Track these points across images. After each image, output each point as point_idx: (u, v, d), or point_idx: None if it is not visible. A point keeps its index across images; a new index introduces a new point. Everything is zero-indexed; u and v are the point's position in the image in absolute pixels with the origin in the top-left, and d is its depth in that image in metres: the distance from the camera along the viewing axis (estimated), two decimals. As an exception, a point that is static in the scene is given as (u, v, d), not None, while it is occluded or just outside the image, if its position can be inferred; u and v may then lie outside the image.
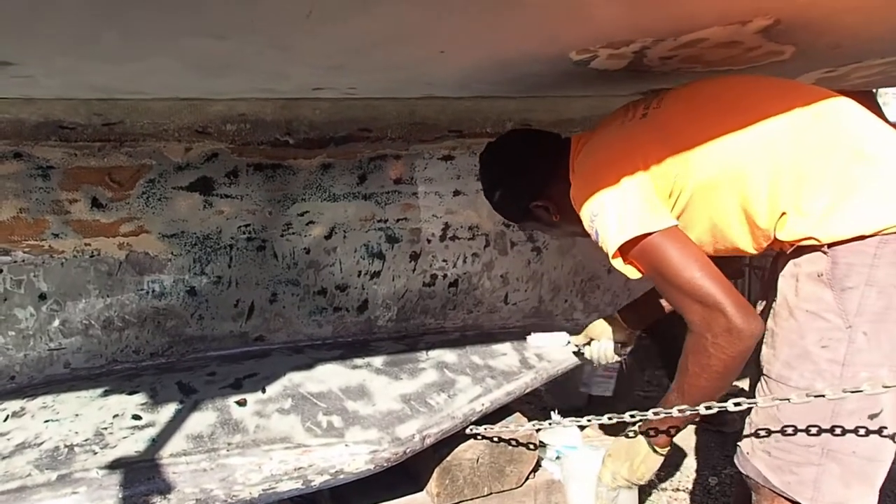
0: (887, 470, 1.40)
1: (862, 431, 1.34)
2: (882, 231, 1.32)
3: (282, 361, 2.05)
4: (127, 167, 1.84)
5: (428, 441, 1.83)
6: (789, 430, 1.40)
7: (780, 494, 1.43)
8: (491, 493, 2.10)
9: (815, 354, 1.37)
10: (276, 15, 1.09)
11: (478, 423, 1.99)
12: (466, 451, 2.05)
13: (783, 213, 1.41)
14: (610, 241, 1.49)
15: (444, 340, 2.25)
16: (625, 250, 1.49)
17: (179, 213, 1.91)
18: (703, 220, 1.52)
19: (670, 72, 1.80)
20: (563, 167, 1.69)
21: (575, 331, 2.21)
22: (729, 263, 1.61)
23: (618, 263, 1.53)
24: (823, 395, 1.27)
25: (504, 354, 2.22)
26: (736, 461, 1.54)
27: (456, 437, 1.98)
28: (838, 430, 1.35)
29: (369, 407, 1.88)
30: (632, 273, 1.55)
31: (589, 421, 1.78)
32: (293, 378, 1.95)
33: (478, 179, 2.21)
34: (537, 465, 2.23)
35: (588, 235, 1.58)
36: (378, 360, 2.10)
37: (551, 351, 2.21)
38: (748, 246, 1.51)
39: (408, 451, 1.77)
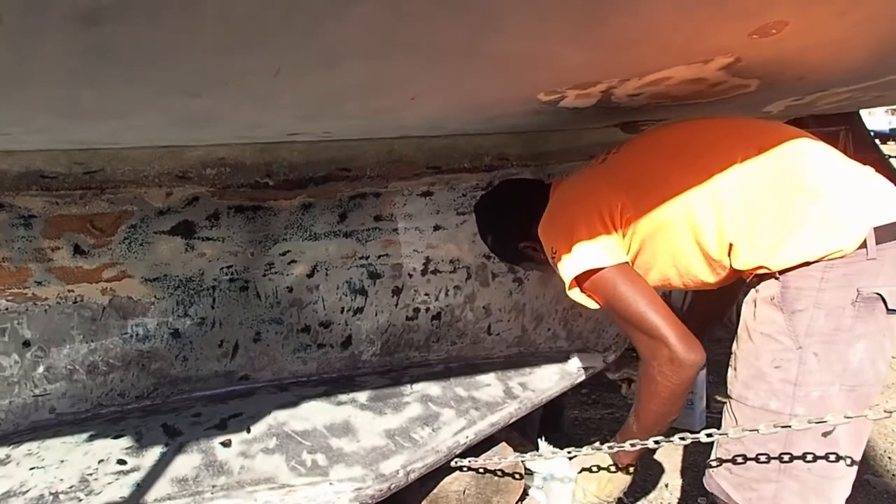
0: (848, 486, 1.45)
1: (816, 449, 1.40)
2: (826, 257, 1.40)
3: (266, 400, 2.07)
4: (108, 214, 1.86)
5: (412, 476, 1.85)
6: (749, 449, 1.46)
7: None
8: (478, 525, 2.11)
9: (769, 375, 1.45)
10: (247, 73, 1.13)
11: (463, 455, 2.01)
12: (452, 484, 2.06)
13: (731, 245, 1.51)
14: (564, 274, 1.63)
15: (428, 373, 2.28)
16: (580, 283, 1.63)
17: (161, 256, 1.94)
18: (664, 256, 1.61)
19: (640, 107, 1.85)
20: (542, 210, 1.80)
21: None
22: (723, 295, 1.73)
23: (574, 294, 1.67)
24: (790, 427, 1.31)
25: (488, 385, 2.25)
26: (704, 480, 1.60)
27: (441, 470, 2.00)
28: (793, 449, 1.41)
29: (353, 443, 1.89)
30: (589, 304, 1.67)
31: (569, 452, 1.81)
32: (278, 416, 1.97)
33: (458, 214, 2.26)
34: (524, 494, 2.24)
35: None
36: (362, 396, 2.11)
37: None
38: (709, 277, 1.59)
39: (392, 486, 1.79)
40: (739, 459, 1.49)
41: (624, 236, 1.64)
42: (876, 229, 1.41)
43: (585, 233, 1.61)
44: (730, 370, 1.57)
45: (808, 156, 1.54)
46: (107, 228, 1.87)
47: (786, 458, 1.44)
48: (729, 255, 1.53)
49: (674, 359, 1.47)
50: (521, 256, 1.95)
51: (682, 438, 1.52)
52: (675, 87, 1.66)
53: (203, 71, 1.07)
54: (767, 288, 1.48)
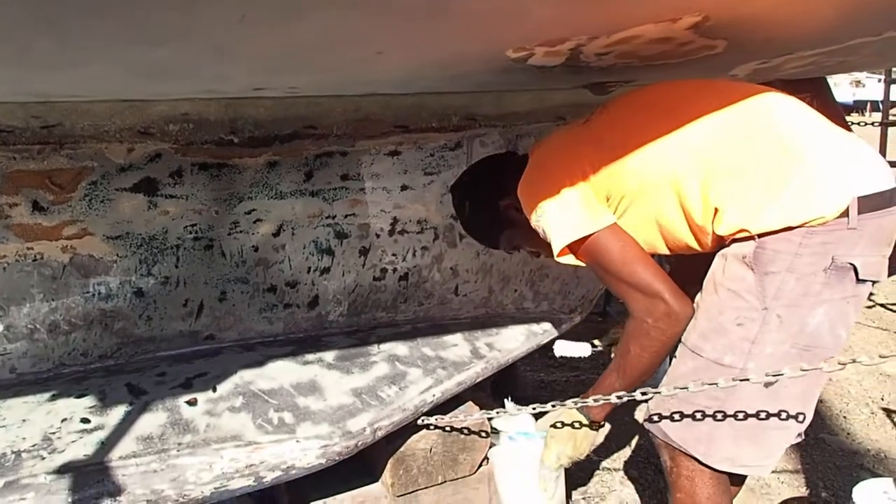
0: (787, 438, 1.51)
1: (755, 399, 1.46)
2: (808, 223, 1.41)
3: (232, 359, 2.06)
4: (68, 170, 1.82)
5: (379, 434, 1.86)
6: (692, 395, 1.50)
7: (677, 449, 1.55)
8: (445, 482, 2.14)
9: (730, 331, 1.48)
10: (210, 20, 1.10)
11: (430, 413, 2.03)
12: (419, 442, 2.09)
13: (716, 210, 1.50)
14: (554, 242, 1.63)
15: (395, 333, 2.28)
16: (570, 248, 1.64)
17: (124, 214, 1.90)
18: (649, 220, 1.63)
19: (608, 67, 1.85)
20: (523, 167, 1.80)
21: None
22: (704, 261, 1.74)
23: (564, 259, 1.68)
24: (748, 379, 1.34)
25: (455, 345, 2.26)
26: (644, 422, 1.65)
27: (408, 428, 2.02)
28: (733, 397, 1.46)
29: (320, 402, 1.90)
30: (578, 264, 1.68)
31: (534, 408, 1.83)
32: (244, 376, 1.96)
33: (425, 174, 2.25)
34: (491, 450, 2.28)
35: None
36: (329, 356, 2.12)
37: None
38: (694, 243, 1.61)
39: (359, 444, 1.80)
40: (682, 404, 1.55)
41: (609, 199, 1.64)
42: (859, 199, 1.42)
43: (573, 196, 1.61)
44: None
45: (792, 119, 1.55)
46: (66, 185, 1.83)
47: (726, 403, 1.50)
48: (713, 220, 1.54)
49: (670, 313, 1.51)
50: (505, 222, 1.89)
51: (644, 393, 1.55)
52: (644, 46, 1.66)
53: (164, 18, 1.04)
54: (741, 246, 1.50)
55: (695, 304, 1.59)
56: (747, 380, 1.37)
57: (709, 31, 1.58)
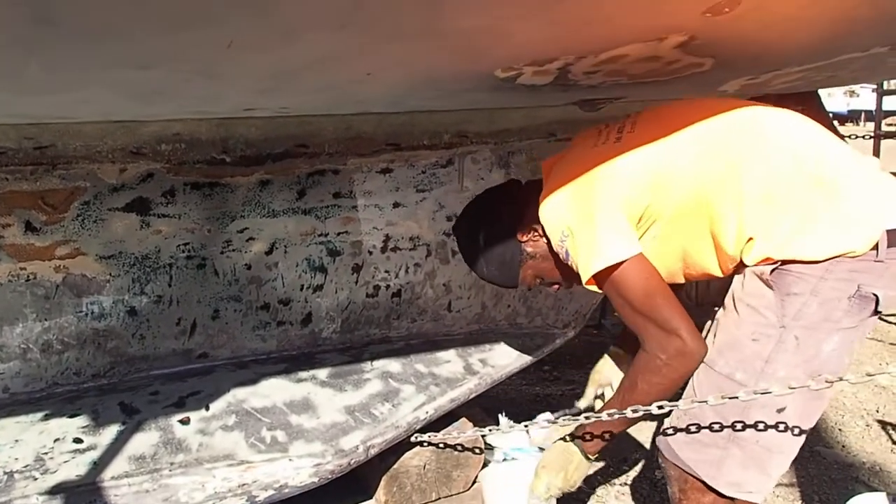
0: (787, 462, 1.51)
1: (769, 424, 1.44)
2: (838, 256, 1.42)
3: (225, 377, 2.06)
4: (60, 190, 1.83)
5: (372, 451, 1.87)
6: (705, 415, 1.50)
7: (685, 471, 1.53)
8: (439, 499, 2.14)
9: (744, 346, 1.47)
10: (199, 45, 1.11)
11: (423, 430, 2.03)
12: (413, 458, 2.09)
13: (750, 239, 1.50)
14: (584, 268, 1.56)
15: (388, 350, 2.29)
16: (594, 279, 1.56)
17: (116, 234, 1.91)
18: (675, 246, 1.60)
19: (597, 85, 1.86)
20: (536, 192, 1.70)
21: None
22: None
23: (589, 287, 1.60)
24: (737, 397, 1.35)
25: (448, 362, 2.27)
26: (656, 439, 1.64)
27: (402, 445, 2.02)
28: (747, 419, 1.45)
29: (313, 420, 1.90)
30: (597, 290, 1.61)
31: (525, 426, 1.83)
32: (237, 394, 1.97)
33: (417, 191, 2.26)
34: (484, 468, 2.27)
35: None
36: (322, 373, 2.12)
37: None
38: (716, 270, 1.60)
39: (352, 462, 1.81)
40: (693, 423, 1.53)
41: (640, 221, 1.58)
42: (888, 232, 1.42)
43: (605, 218, 1.54)
44: (708, 335, 1.58)
45: (826, 148, 1.54)
46: (59, 205, 1.84)
47: (738, 426, 1.48)
48: (743, 248, 1.52)
49: (685, 352, 1.47)
50: (524, 256, 1.76)
51: (635, 411, 1.55)
52: (631, 64, 1.68)
53: (153, 44, 1.05)
54: (762, 266, 1.48)
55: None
56: (767, 392, 1.37)
57: (696, 49, 1.59)
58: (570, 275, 1.69)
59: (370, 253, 2.24)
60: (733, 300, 1.54)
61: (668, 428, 1.61)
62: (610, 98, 2.14)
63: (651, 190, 1.55)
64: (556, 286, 1.82)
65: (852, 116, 23.35)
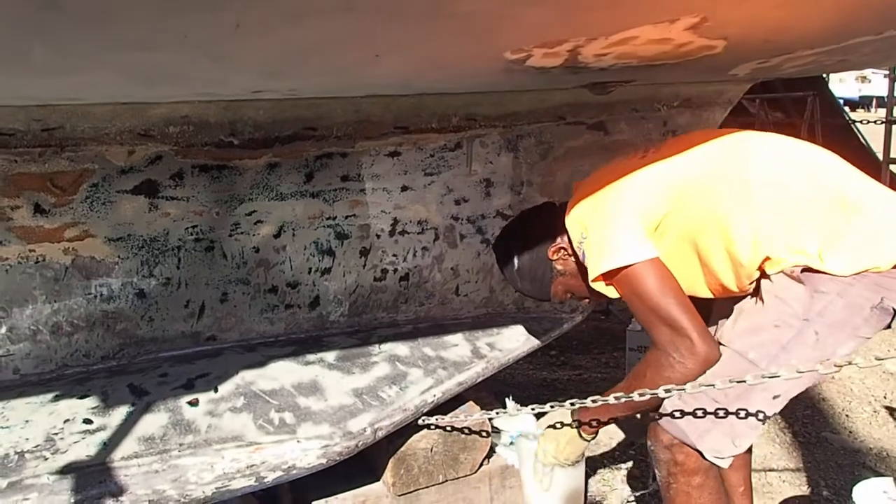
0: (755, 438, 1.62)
1: (763, 406, 1.48)
2: (863, 272, 1.49)
3: (234, 360, 2.07)
4: (69, 172, 1.83)
5: (380, 434, 1.88)
6: (706, 386, 1.53)
7: (674, 437, 1.61)
8: (446, 481, 2.15)
9: (765, 329, 1.53)
10: (205, 27, 1.11)
11: (430, 413, 2.04)
12: (420, 441, 2.10)
13: (767, 258, 1.55)
14: (593, 266, 1.63)
15: (396, 334, 2.29)
16: (606, 275, 1.63)
17: (125, 216, 1.91)
18: (691, 259, 1.65)
19: (607, 67, 1.85)
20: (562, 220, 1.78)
21: None
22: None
23: (597, 286, 1.67)
24: (744, 381, 1.35)
25: (455, 345, 2.27)
26: (650, 422, 1.69)
27: (409, 428, 2.03)
28: (748, 402, 1.49)
29: (321, 402, 1.91)
30: (610, 293, 1.68)
31: (532, 409, 1.84)
32: (245, 376, 1.98)
33: (425, 174, 2.25)
34: (491, 452, 2.29)
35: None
36: (330, 356, 2.12)
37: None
38: (733, 285, 1.66)
39: (360, 444, 1.82)
40: (691, 394, 1.57)
41: (656, 229, 1.64)
42: None
43: (621, 223, 1.61)
44: (728, 321, 1.64)
45: (848, 173, 1.61)
46: (68, 187, 1.84)
47: (735, 404, 1.54)
48: (762, 264, 1.56)
49: (695, 352, 1.52)
50: (554, 272, 1.83)
51: (642, 394, 1.55)
52: (642, 47, 1.66)
53: (159, 26, 1.05)
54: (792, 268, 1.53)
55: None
56: (775, 377, 1.39)
57: (707, 31, 1.57)
58: (596, 291, 1.76)
59: (378, 236, 2.24)
60: (762, 293, 1.58)
61: (667, 405, 1.63)
62: (621, 81, 2.13)
63: (668, 200, 1.63)
64: (587, 300, 1.91)
65: (864, 102, 23.14)
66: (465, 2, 1.17)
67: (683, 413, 1.58)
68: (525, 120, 2.33)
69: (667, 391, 1.51)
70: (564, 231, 1.77)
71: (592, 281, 1.64)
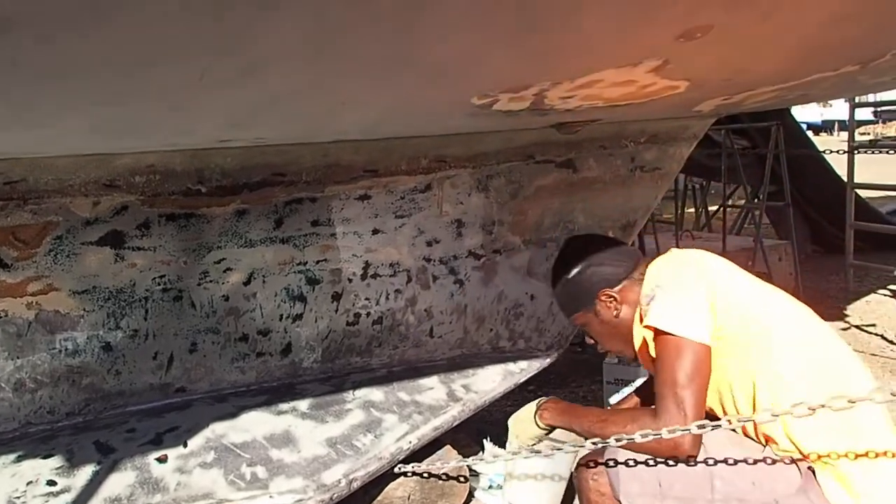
0: None
1: None
2: None
3: (204, 412, 2.02)
4: (32, 225, 1.79)
5: (355, 485, 1.84)
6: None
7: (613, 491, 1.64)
8: (425, 529, 2.10)
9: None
10: (169, 80, 1.10)
11: (406, 459, 2.01)
12: (397, 490, 2.06)
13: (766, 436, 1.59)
14: (655, 317, 1.62)
15: (370, 378, 2.26)
16: (659, 331, 1.62)
17: (90, 268, 1.87)
18: (721, 374, 1.63)
19: (573, 108, 1.87)
20: (637, 271, 1.78)
21: None
22: None
23: (641, 333, 1.69)
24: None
25: (431, 388, 2.24)
26: (608, 460, 1.68)
27: (385, 476, 1.99)
28: None
29: (294, 454, 1.87)
30: (638, 342, 1.72)
31: (515, 454, 1.81)
32: (216, 429, 1.93)
33: (396, 217, 2.25)
34: (470, 496, 2.25)
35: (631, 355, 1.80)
36: (303, 404, 2.08)
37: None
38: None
39: (334, 496, 1.78)
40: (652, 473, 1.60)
41: (717, 329, 1.64)
42: None
43: (698, 303, 1.61)
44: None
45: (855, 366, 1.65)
46: (31, 240, 1.80)
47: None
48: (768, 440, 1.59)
49: (680, 445, 1.53)
50: (590, 305, 1.81)
51: (618, 439, 1.53)
52: (607, 89, 1.68)
53: (121, 81, 1.04)
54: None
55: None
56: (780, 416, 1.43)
57: (670, 73, 1.60)
58: (611, 342, 1.83)
59: (350, 280, 2.22)
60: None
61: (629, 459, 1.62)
62: (587, 120, 2.15)
63: (729, 319, 1.62)
64: (594, 342, 1.92)
65: (826, 126, 23.72)
66: (430, 51, 1.18)
67: (635, 480, 1.60)
68: (494, 160, 2.34)
69: (643, 436, 1.49)
70: (624, 282, 1.77)
71: (644, 327, 1.65)
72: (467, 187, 2.33)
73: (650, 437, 1.46)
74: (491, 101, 1.61)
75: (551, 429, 1.84)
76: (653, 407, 1.60)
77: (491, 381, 2.34)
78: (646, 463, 1.57)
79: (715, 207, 8.02)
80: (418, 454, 2.05)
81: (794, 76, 1.93)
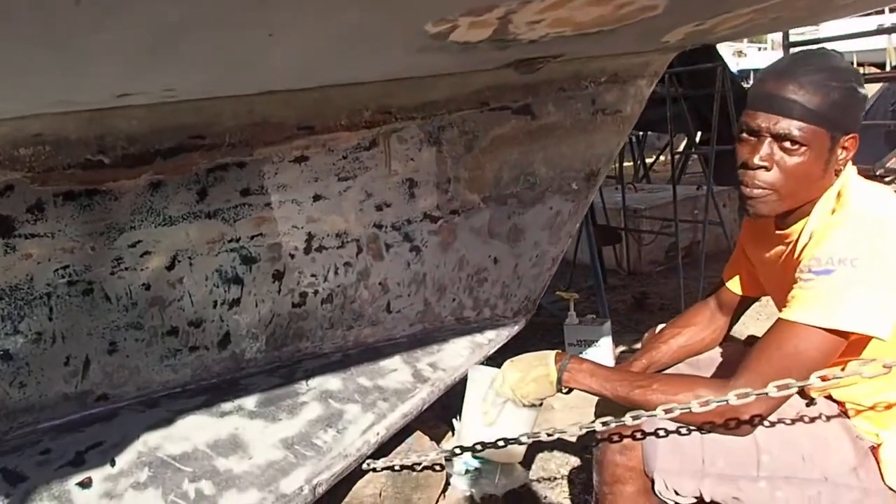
0: None
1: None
2: None
3: (133, 421, 1.73)
4: None
5: (320, 490, 1.60)
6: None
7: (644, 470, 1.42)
8: (400, 527, 1.88)
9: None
10: (40, 4, 0.80)
11: (375, 454, 1.77)
12: (366, 487, 1.84)
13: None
14: (815, 312, 1.27)
15: (324, 365, 2.00)
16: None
17: (-28, 264, 1.55)
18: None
19: (538, 39, 1.63)
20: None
21: None
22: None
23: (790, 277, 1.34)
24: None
25: (394, 370, 2.00)
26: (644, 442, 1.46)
27: (353, 474, 1.76)
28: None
29: (245, 462, 1.61)
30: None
31: (497, 442, 1.58)
32: (148, 440, 1.65)
33: (340, 179, 1.97)
34: (446, 485, 2.04)
35: None
36: (250, 401, 1.82)
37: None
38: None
39: (297, 507, 1.52)
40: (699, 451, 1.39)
41: None
42: None
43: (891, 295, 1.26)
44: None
45: None
46: None
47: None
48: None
49: (734, 419, 1.31)
50: (835, 130, 1.33)
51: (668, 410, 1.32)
52: (579, 10, 1.45)
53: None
54: None
55: None
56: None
57: (650, -14, 1.38)
58: (786, 186, 1.35)
59: (292, 256, 1.94)
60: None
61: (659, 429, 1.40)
62: (549, 56, 1.91)
63: None
64: (772, 193, 1.39)
65: (743, 76, 24.28)
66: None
67: (679, 458, 1.37)
68: (445, 109, 2.08)
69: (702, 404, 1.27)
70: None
71: (811, 323, 1.26)
72: (417, 141, 2.07)
73: (713, 406, 1.24)
74: (449, 28, 1.36)
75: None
76: (709, 377, 1.41)
77: (458, 355, 2.12)
78: (698, 430, 1.36)
79: (651, 160, 8.07)
80: (386, 445, 1.82)
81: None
